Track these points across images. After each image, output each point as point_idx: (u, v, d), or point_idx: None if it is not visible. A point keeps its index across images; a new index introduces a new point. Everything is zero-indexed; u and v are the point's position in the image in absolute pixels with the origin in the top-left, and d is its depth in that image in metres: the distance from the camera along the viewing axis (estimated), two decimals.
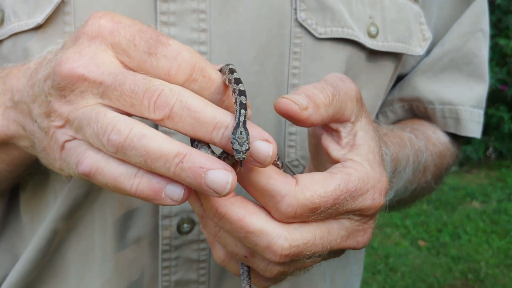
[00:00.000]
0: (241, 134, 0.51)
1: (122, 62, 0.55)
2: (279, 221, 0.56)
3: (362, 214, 0.59)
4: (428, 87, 0.93)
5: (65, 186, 0.79)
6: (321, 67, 0.79)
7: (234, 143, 0.51)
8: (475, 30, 0.93)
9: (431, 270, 3.77)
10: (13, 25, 0.76)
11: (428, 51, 0.94)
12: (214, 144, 0.53)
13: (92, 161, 0.53)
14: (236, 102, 0.54)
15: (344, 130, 0.62)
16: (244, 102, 0.54)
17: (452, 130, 0.95)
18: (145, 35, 0.54)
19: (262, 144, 0.51)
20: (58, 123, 0.57)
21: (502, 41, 5.32)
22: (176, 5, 0.74)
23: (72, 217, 0.81)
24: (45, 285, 0.86)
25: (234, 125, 0.52)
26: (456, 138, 0.99)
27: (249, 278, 0.62)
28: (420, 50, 0.88)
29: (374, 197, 0.59)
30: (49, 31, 0.75)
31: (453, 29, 0.93)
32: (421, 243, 4.13)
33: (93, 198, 0.79)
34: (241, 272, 0.62)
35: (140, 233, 0.79)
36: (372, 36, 0.82)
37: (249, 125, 0.53)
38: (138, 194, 0.52)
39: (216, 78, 0.56)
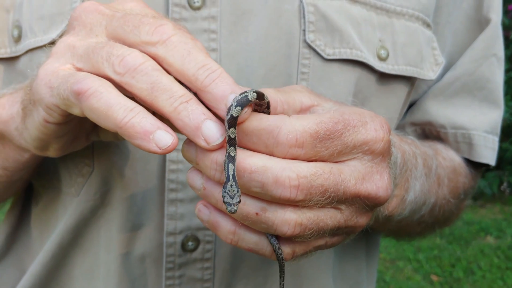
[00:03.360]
0: (231, 187, 0.52)
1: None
2: (284, 158, 0.54)
3: (371, 151, 0.56)
4: (440, 111, 0.92)
5: (74, 200, 0.80)
6: (329, 87, 0.79)
7: (225, 196, 0.52)
8: (488, 55, 0.92)
9: None
10: (29, 41, 0.78)
11: (441, 77, 0.94)
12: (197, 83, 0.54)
13: (92, 83, 0.53)
14: (226, 153, 0.54)
15: (317, 110, 0.60)
16: (233, 155, 0.53)
17: (466, 155, 0.93)
18: (127, 17, 0.57)
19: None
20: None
21: None
22: (187, 25, 0.75)
23: (78, 231, 0.81)
24: None
25: (224, 180, 0.52)
26: (473, 166, 0.97)
27: (278, 244, 0.59)
28: (432, 75, 0.88)
29: (376, 128, 0.57)
30: None
31: (466, 54, 0.92)
32: (434, 278, 4.05)
33: (100, 214, 0.79)
34: (270, 240, 0.58)
35: (144, 250, 0.78)
36: (382, 59, 0.82)
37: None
38: (127, 128, 0.51)
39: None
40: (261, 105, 0.55)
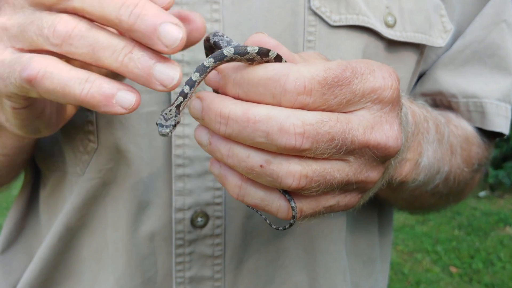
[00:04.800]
0: (169, 111, 0.52)
1: None
2: (292, 107, 0.52)
3: (380, 99, 0.54)
4: (451, 80, 0.90)
5: (80, 180, 0.79)
6: (336, 55, 0.77)
7: (159, 118, 0.52)
8: (498, 21, 0.90)
9: None
10: None
11: (450, 46, 0.92)
12: (122, 25, 0.51)
13: (39, 65, 0.51)
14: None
15: None
16: (186, 92, 0.53)
17: (478, 125, 0.91)
18: None
19: (171, 27, 0.50)
20: None
21: None
22: None
23: (85, 211, 0.80)
24: (60, 287, 0.85)
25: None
26: (486, 136, 0.95)
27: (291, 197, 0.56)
28: (441, 42, 0.86)
29: (384, 76, 0.55)
30: None
31: (475, 21, 0.90)
32: (453, 269, 4.00)
33: (106, 192, 0.78)
34: (282, 193, 0.56)
35: (153, 227, 0.77)
36: (389, 25, 0.80)
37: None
38: (88, 99, 0.50)
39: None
40: (267, 61, 0.53)
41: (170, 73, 0.51)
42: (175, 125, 0.52)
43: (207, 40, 0.59)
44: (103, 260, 0.81)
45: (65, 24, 0.51)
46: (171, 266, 0.78)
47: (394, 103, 0.56)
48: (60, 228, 0.81)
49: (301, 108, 0.52)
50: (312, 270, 0.83)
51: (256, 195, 0.56)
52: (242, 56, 0.52)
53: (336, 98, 0.52)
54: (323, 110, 0.52)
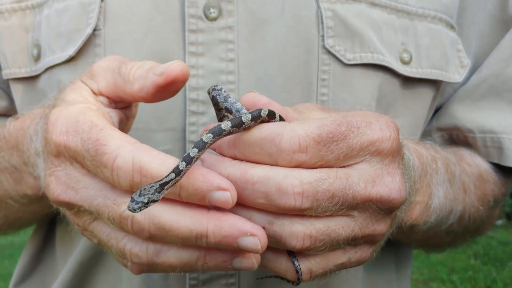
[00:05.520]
0: (150, 187, 0.49)
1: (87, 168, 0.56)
2: (288, 166, 0.52)
3: (379, 151, 0.54)
4: (467, 115, 0.89)
5: None
6: (350, 93, 0.77)
7: (136, 192, 0.49)
8: None
9: None
10: (48, 59, 0.79)
11: (467, 79, 0.91)
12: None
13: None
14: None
15: None
16: (181, 169, 0.50)
17: (496, 160, 0.90)
18: (87, 143, 0.53)
19: (248, 240, 0.51)
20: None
21: None
22: (204, 36, 0.75)
23: (99, 248, 0.79)
24: None
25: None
26: (503, 172, 0.93)
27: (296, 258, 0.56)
28: (458, 77, 0.85)
29: (382, 128, 0.54)
30: (80, 63, 0.78)
31: (492, 55, 0.90)
32: None
33: None
34: (288, 254, 0.56)
35: None
36: (405, 62, 0.80)
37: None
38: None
39: (158, 170, 0.51)
40: (262, 122, 0.54)
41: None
42: (147, 203, 0.48)
43: (208, 93, 0.60)
44: None
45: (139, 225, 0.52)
46: None
47: (395, 154, 0.56)
48: (75, 265, 0.81)
49: (298, 166, 0.52)
50: None
51: (264, 257, 0.56)
52: (239, 127, 0.52)
53: (333, 154, 0.52)
54: (321, 166, 0.52)
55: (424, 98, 0.85)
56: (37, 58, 0.81)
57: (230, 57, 0.75)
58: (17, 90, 0.85)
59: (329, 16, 0.76)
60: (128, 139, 0.53)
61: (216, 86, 0.59)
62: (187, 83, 0.74)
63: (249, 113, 0.52)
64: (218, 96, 0.58)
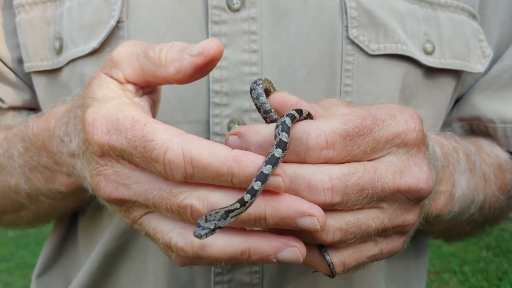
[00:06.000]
0: (216, 213, 0.49)
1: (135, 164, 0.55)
2: (317, 163, 0.53)
3: (404, 143, 0.55)
4: (488, 105, 0.89)
5: None
6: (375, 84, 0.77)
7: (203, 218, 0.49)
8: None
9: None
10: (70, 52, 0.79)
11: (488, 70, 0.91)
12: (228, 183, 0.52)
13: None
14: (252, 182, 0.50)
15: None
16: (246, 200, 0.49)
17: None
18: (133, 140, 0.53)
19: (306, 220, 0.51)
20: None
21: None
22: (227, 27, 0.75)
23: (125, 240, 0.80)
24: None
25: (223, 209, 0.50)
26: None
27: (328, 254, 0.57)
28: (480, 67, 0.85)
29: (406, 119, 0.55)
30: (103, 55, 0.78)
31: None
32: None
33: None
34: (318, 248, 0.57)
35: None
36: (428, 53, 0.80)
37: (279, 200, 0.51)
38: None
39: (211, 161, 0.50)
40: (300, 119, 0.55)
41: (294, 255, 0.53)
42: (213, 230, 0.49)
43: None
44: (142, 287, 0.81)
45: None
46: None
47: (420, 145, 0.56)
48: (99, 256, 0.82)
49: (326, 162, 0.53)
50: None
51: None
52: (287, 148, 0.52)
53: (359, 148, 0.53)
54: (348, 161, 0.53)
55: (446, 89, 0.85)
56: (59, 51, 0.81)
57: (253, 48, 0.75)
58: (39, 83, 0.86)
59: (353, 7, 0.76)
60: (173, 130, 0.52)
61: (259, 79, 0.59)
62: (211, 75, 0.74)
63: (285, 132, 0.51)
64: (253, 91, 0.58)
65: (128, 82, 0.62)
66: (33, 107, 0.92)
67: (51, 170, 0.74)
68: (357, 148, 0.53)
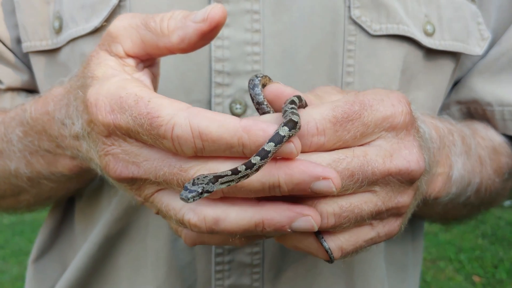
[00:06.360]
0: (204, 177, 0.49)
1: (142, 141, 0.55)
2: (308, 150, 0.53)
3: (393, 126, 0.56)
4: (486, 88, 0.89)
5: (119, 191, 0.79)
6: (376, 64, 0.77)
7: (190, 182, 0.48)
8: None
9: None
10: (71, 31, 0.78)
11: (486, 53, 0.91)
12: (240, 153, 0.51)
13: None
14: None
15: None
16: (239, 170, 0.49)
17: None
18: (138, 118, 0.52)
19: (321, 183, 0.51)
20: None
21: None
22: (229, 6, 0.74)
23: (125, 221, 0.81)
24: None
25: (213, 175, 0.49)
26: None
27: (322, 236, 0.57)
28: (479, 50, 0.85)
29: (394, 103, 0.56)
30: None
31: (511, 28, 0.89)
32: (476, 279, 3.96)
33: None
34: (318, 237, 0.57)
35: None
36: (428, 34, 0.80)
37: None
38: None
39: (220, 133, 0.50)
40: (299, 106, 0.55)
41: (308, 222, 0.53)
42: (201, 193, 0.48)
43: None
44: (142, 268, 0.81)
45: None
46: (211, 274, 0.78)
47: (409, 127, 0.57)
48: (100, 238, 0.82)
49: (318, 149, 0.53)
50: (350, 279, 0.83)
51: (294, 238, 0.58)
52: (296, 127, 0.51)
53: (349, 133, 0.53)
54: (340, 147, 0.54)
55: (445, 71, 0.85)
56: (59, 30, 0.80)
57: (256, 27, 0.75)
58: (37, 64, 0.85)
59: None
60: (179, 105, 0.52)
61: (260, 73, 0.59)
62: (213, 54, 0.74)
63: (295, 117, 0.51)
64: (250, 81, 0.59)
65: (129, 56, 0.61)
66: (31, 89, 0.91)
67: (53, 153, 0.74)
68: (347, 134, 0.53)
